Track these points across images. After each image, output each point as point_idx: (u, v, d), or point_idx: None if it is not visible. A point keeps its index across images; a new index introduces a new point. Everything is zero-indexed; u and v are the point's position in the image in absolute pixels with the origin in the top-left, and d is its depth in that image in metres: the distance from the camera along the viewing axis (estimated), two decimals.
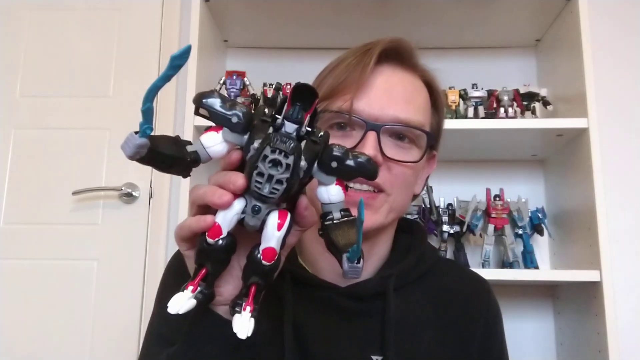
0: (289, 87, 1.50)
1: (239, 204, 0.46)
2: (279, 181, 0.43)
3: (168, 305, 0.44)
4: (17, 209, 1.72)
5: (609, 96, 1.66)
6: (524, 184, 1.67)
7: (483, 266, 1.47)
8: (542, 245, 1.63)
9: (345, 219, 0.48)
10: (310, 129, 0.45)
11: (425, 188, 1.52)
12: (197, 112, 0.46)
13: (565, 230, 1.53)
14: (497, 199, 1.50)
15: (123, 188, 1.67)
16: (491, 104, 1.50)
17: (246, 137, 0.46)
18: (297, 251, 0.75)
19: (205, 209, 0.48)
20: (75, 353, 1.61)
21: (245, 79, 1.54)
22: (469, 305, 0.77)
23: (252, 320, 0.46)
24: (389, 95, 0.69)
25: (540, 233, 1.52)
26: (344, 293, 0.70)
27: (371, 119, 0.67)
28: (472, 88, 1.53)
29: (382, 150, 0.66)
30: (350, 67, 0.70)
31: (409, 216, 1.51)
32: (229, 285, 0.52)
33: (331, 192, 0.48)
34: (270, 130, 0.44)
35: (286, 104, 0.44)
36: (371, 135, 0.66)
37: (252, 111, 0.46)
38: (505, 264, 1.50)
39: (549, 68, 1.67)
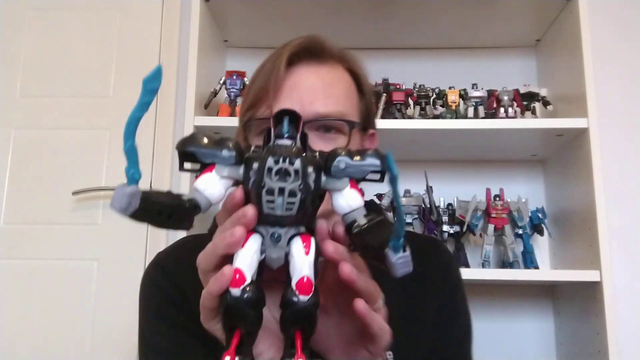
0: None
1: (254, 241, 0.41)
2: (292, 192, 0.39)
3: None
4: (17, 209, 1.72)
5: (609, 96, 1.66)
6: (524, 184, 1.67)
7: (483, 266, 1.47)
8: (542, 245, 1.63)
9: (374, 221, 0.42)
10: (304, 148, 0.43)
11: (425, 188, 1.53)
12: (182, 168, 0.43)
13: (565, 230, 1.53)
14: (497, 199, 1.50)
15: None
16: (491, 104, 1.50)
17: (242, 167, 0.41)
18: None
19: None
20: (75, 353, 1.61)
21: (245, 79, 1.54)
22: (425, 267, 0.78)
23: None
24: (308, 93, 0.71)
25: (540, 233, 1.52)
26: None
27: None
28: (472, 88, 1.53)
29: (310, 146, 0.69)
30: (266, 74, 0.73)
31: (409, 216, 1.51)
32: (268, 347, 0.46)
33: (348, 198, 0.42)
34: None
35: (272, 129, 0.42)
36: None
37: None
38: (505, 264, 1.50)
39: (549, 68, 1.67)
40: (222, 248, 0.42)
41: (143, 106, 0.37)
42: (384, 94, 1.51)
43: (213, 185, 0.42)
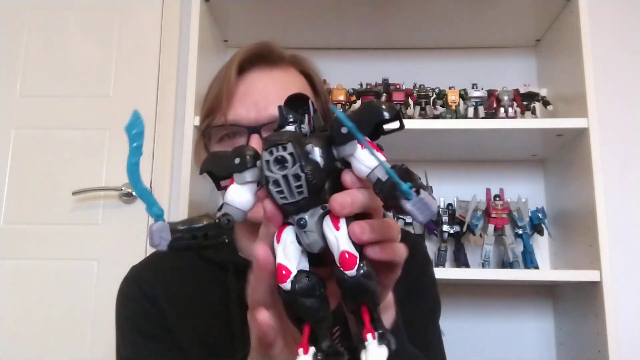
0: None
1: (288, 233, 0.41)
2: (296, 176, 0.38)
3: None
4: (17, 209, 1.72)
5: (609, 96, 1.66)
6: (524, 184, 1.67)
7: (483, 266, 1.47)
8: (542, 245, 1.63)
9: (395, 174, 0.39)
10: (315, 130, 0.42)
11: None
12: (219, 188, 0.46)
13: (565, 230, 1.53)
14: (497, 199, 1.50)
15: (123, 188, 1.67)
16: (491, 104, 1.50)
17: (257, 168, 0.42)
18: (237, 248, 0.79)
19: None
20: (75, 353, 1.61)
21: None
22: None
23: (384, 347, 0.37)
24: (262, 97, 0.73)
25: (540, 233, 1.52)
26: None
27: (251, 123, 0.72)
28: (472, 88, 1.53)
29: None
30: (219, 82, 0.76)
31: (409, 216, 1.51)
32: (280, 349, 0.45)
33: (362, 159, 0.39)
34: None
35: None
36: (254, 138, 0.71)
37: None
38: (505, 264, 1.50)
39: (549, 68, 1.67)
40: (262, 274, 0.41)
41: (135, 151, 0.37)
42: (384, 94, 1.51)
43: (238, 194, 0.42)
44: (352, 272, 0.38)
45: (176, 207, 1.57)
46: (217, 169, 0.44)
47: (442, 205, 1.56)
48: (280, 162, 0.39)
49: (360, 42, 1.75)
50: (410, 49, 1.77)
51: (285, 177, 0.38)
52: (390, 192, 0.38)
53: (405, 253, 0.43)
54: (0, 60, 1.82)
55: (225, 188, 0.44)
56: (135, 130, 0.37)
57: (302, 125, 0.42)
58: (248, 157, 0.42)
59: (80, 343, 1.62)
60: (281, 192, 0.39)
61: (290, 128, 0.42)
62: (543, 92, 1.53)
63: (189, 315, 0.73)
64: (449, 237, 1.54)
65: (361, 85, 1.55)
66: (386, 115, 0.39)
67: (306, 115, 0.42)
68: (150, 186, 1.69)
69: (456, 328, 1.55)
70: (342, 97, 1.52)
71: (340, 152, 0.40)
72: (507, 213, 1.50)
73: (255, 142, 0.71)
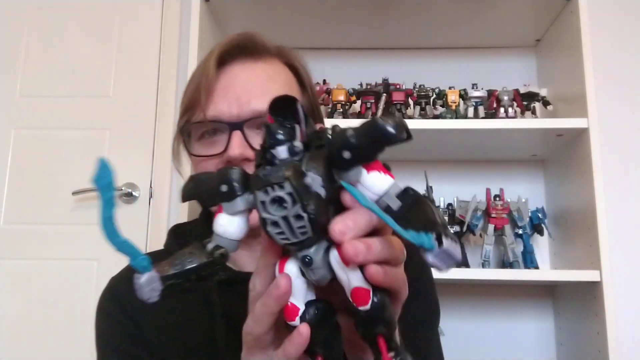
0: None
1: (292, 267, 0.38)
2: (298, 217, 0.34)
3: None
4: (17, 209, 1.72)
5: (609, 96, 1.66)
6: (524, 184, 1.67)
7: (483, 266, 1.47)
8: (542, 245, 1.63)
9: (407, 204, 0.36)
10: (310, 139, 0.38)
11: (425, 188, 1.52)
12: (205, 211, 0.42)
13: (565, 230, 1.53)
14: (497, 199, 1.50)
15: (123, 188, 1.67)
16: (491, 104, 1.50)
17: (248, 194, 0.38)
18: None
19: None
20: (75, 353, 1.61)
21: None
22: None
23: None
24: (244, 91, 0.68)
25: (540, 233, 1.52)
26: None
27: (233, 119, 0.67)
28: (472, 88, 1.53)
29: (251, 145, 0.66)
30: (198, 76, 0.70)
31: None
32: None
33: (370, 185, 0.36)
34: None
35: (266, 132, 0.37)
36: (236, 135, 0.66)
37: None
38: (505, 264, 1.50)
39: (549, 68, 1.67)
40: (274, 304, 0.38)
41: (108, 203, 0.34)
42: (384, 94, 1.51)
43: (230, 224, 0.39)
44: (365, 307, 0.36)
45: (176, 207, 1.57)
46: (202, 198, 0.40)
47: (442, 205, 1.56)
48: (278, 202, 0.35)
49: (360, 42, 1.75)
50: (410, 49, 1.77)
51: (285, 218, 0.35)
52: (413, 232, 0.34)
53: (406, 284, 0.40)
54: (0, 60, 1.82)
55: (210, 208, 0.41)
56: (104, 181, 0.34)
57: (295, 143, 0.37)
58: (235, 184, 0.38)
59: (80, 343, 1.62)
60: (282, 233, 0.35)
61: (282, 149, 0.36)
62: (543, 92, 1.54)
63: (170, 332, 0.69)
64: None
65: (361, 85, 1.55)
66: (395, 136, 0.33)
67: (297, 126, 0.37)
68: (150, 186, 1.69)
69: (456, 328, 1.55)
70: (342, 97, 1.52)
71: (343, 178, 0.36)
72: (507, 213, 1.50)
73: (237, 139, 0.66)
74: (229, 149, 0.66)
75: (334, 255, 0.36)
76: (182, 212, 1.37)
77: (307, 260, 0.36)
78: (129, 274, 0.77)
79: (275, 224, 0.35)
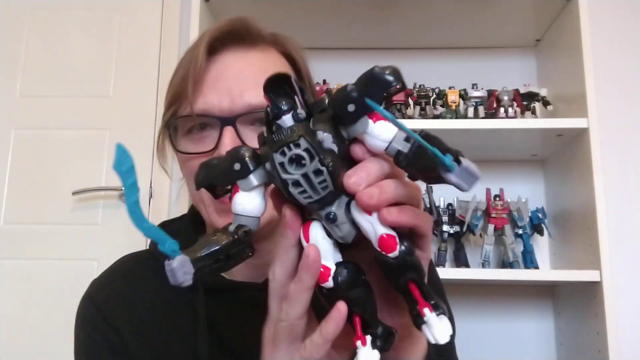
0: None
1: (316, 229, 0.38)
2: (317, 172, 0.35)
3: None
4: (17, 209, 1.72)
5: (609, 96, 1.66)
6: (524, 184, 1.67)
7: (483, 266, 1.47)
8: (542, 245, 1.63)
9: (415, 145, 0.36)
10: (311, 108, 0.38)
11: (425, 188, 1.53)
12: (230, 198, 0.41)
13: (565, 230, 1.53)
14: (497, 199, 1.51)
15: (123, 188, 1.67)
16: (491, 104, 1.50)
17: (261, 168, 0.39)
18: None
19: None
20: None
21: None
22: None
23: (443, 317, 0.37)
24: (237, 82, 0.62)
25: (540, 233, 1.52)
26: (264, 288, 0.58)
27: (224, 114, 0.61)
28: (472, 88, 1.53)
29: (244, 142, 0.61)
30: (185, 66, 0.63)
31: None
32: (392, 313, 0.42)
33: (377, 134, 0.37)
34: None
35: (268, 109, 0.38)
36: (227, 131, 0.60)
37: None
38: (505, 264, 1.50)
39: (549, 68, 1.67)
40: (307, 276, 0.38)
41: (132, 188, 0.34)
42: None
43: (248, 202, 0.39)
44: (394, 254, 0.36)
45: (176, 208, 1.57)
46: (217, 179, 0.40)
47: (442, 205, 1.56)
48: (296, 160, 0.35)
49: (360, 42, 1.75)
50: (410, 49, 1.77)
51: (305, 175, 0.35)
52: (426, 166, 0.36)
53: (431, 221, 0.39)
54: (0, 60, 1.82)
55: (222, 196, 0.41)
56: (125, 167, 0.33)
57: (298, 111, 0.37)
58: (248, 159, 0.39)
59: None
60: (304, 191, 0.36)
61: (287, 117, 0.37)
62: (543, 92, 1.54)
63: (153, 340, 0.65)
64: (449, 237, 1.54)
65: None
66: (394, 82, 0.35)
67: (295, 98, 0.38)
68: (150, 186, 1.69)
69: (456, 328, 1.55)
70: None
71: (350, 132, 0.37)
72: (507, 213, 1.50)
73: (229, 136, 0.60)
74: (220, 146, 0.60)
75: (354, 206, 0.37)
76: (182, 212, 1.37)
77: (331, 216, 0.37)
78: (109, 280, 0.76)
79: (296, 183, 0.36)
